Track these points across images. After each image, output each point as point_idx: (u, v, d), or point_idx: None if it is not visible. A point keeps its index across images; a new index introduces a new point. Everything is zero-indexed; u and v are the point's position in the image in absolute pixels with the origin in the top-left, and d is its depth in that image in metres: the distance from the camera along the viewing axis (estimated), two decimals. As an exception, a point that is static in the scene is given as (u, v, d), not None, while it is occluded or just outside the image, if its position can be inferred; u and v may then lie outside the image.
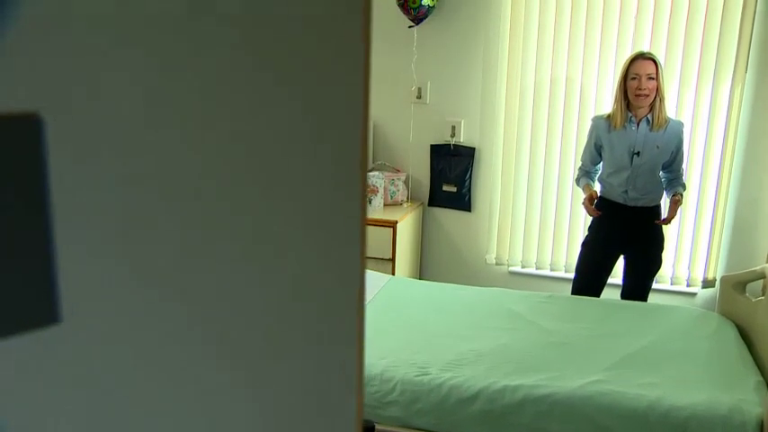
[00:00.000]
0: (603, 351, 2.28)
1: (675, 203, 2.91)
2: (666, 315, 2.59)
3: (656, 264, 3.10)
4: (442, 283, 3.03)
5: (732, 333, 2.44)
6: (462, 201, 3.82)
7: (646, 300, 3.12)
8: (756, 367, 2.25)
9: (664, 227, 3.14)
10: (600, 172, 3.13)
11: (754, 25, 3.23)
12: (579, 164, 3.22)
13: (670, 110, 3.34)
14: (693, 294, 3.58)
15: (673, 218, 2.94)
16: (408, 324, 2.43)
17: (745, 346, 2.38)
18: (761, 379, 2.13)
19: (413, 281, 2.96)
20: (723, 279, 2.65)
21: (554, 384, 2.00)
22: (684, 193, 3.12)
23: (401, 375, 2.05)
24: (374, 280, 2.82)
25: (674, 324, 2.51)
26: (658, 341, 2.36)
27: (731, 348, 2.34)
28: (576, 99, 3.52)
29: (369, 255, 3.49)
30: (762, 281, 2.45)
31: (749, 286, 2.55)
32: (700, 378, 2.13)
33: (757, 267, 2.46)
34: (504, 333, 2.37)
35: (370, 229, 3.47)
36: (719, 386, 2.07)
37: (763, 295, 2.38)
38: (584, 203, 3.02)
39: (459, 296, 2.71)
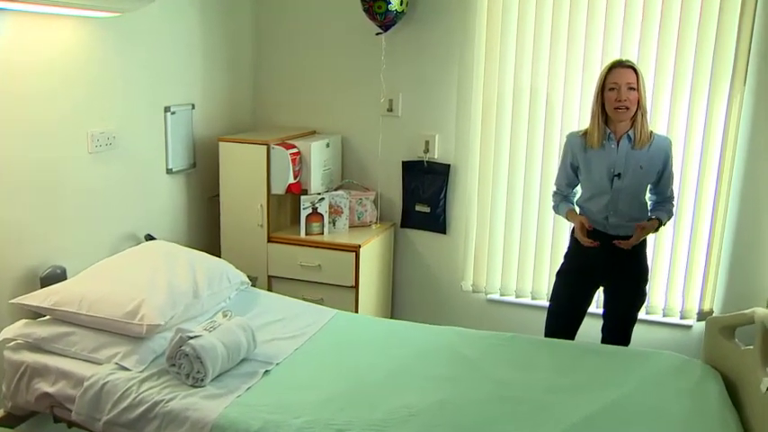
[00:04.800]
0: (561, 409, 1.96)
1: (641, 229, 2.58)
2: (642, 363, 2.26)
3: (638, 297, 2.78)
4: (393, 320, 2.74)
5: (716, 387, 2.11)
6: (437, 222, 3.52)
7: (629, 333, 2.80)
8: (742, 430, 1.92)
9: (649, 256, 2.82)
10: (578, 196, 2.81)
11: (754, 28, 2.88)
12: (554, 188, 2.89)
13: (661, 124, 3.03)
14: (688, 327, 3.24)
15: (631, 243, 2.59)
16: (341, 371, 2.14)
17: (730, 403, 2.04)
18: (743, 448, 1.80)
19: (360, 317, 2.67)
20: (709, 322, 2.31)
21: (491, 456, 1.69)
22: (677, 216, 2.80)
23: (314, 440, 1.76)
24: (315, 316, 2.53)
25: (649, 374, 2.18)
26: (628, 396, 2.04)
27: (713, 406, 2.00)
28: (558, 112, 3.21)
29: (329, 282, 3.21)
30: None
31: (739, 331, 2.22)
32: (671, 445, 1.81)
33: (747, 311, 2.12)
34: (447, 384, 2.07)
35: (331, 254, 3.19)
36: (693, 457, 1.75)
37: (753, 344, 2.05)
38: (576, 235, 2.68)
39: (408, 336, 2.41)
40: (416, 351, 2.29)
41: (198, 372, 1.97)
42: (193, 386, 1.97)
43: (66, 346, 2.07)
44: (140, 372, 2.01)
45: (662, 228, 2.74)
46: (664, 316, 3.24)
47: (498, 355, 2.29)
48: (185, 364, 1.97)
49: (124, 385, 1.93)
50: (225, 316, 2.19)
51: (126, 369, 2.01)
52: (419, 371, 2.15)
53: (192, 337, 1.99)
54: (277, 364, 2.15)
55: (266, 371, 2.10)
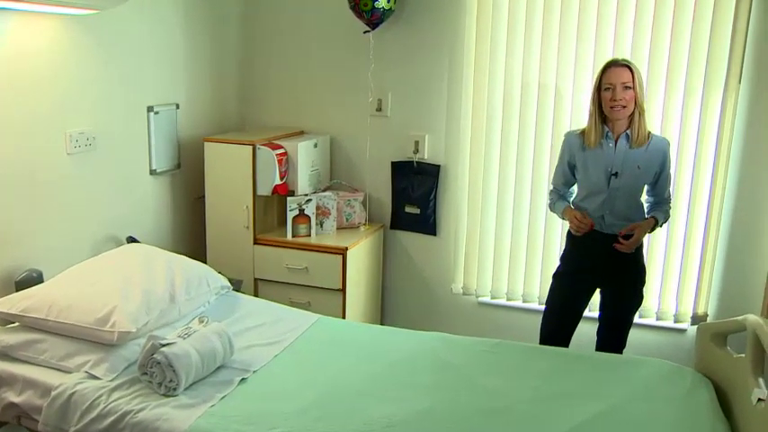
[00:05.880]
0: (548, 420, 1.90)
1: (639, 228, 2.53)
2: (631, 370, 2.19)
3: (636, 299, 2.72)
4: (376, 325, 2.68)
5: (707, 396, 2.04)
6: (426, 223, 3.46)
7: (625, 337, 2.74)
8: (732, 441, 1.86)
9: (648, 256, 2.78)
10: (573, 195, 2.76)
11: (749, 27, 2.81)
12: (550, 187, 2.84)
13: (655, 125, 2.96)
14: (683, 331, 3.17)
15: (632, 245, 2.55)
16: (320, 379, 2.07)
17: (721, 413, 1.97)
18: (733, 461, 1.74)
19: (342, 322, 2.61)
20: (700, 328, 2.25)
21: (471, 470, 1.63)
22: (671, 217, 2.73)
23: (288, 452, 1.70)
24: (297, 321, 2.47)
25: (639, 383, 2.11)
26: (617, 406, 1.97)
27: (704, 416, 1.94)
28: (550, 111, 3.14)
29: (316, 284, 3.15)
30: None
31: (733, 338, 2.15)
32: (658, 458, 1.74)
33: (739, 317, 2.05)
34: (430, 393, 2.00)
35: (318, 257, 3.12)
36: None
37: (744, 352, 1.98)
38: (573, 220, 2.61)
39: (391, 342, 2.35)
40: (399, 358, 2.23)
41: (170, 380, 1.90)
42: (166, 395, 1.90)
43: (35, 353, 2.01)
44: (111, 380, 1.94)
45: (657, 229, 2.69)
46: (657, 319, 3.17)
47: (484, 362, 2.22)
48: (157, 373, 1.91)
49: (93, 395, 1.87)
50: (201, 322, 2.13)
51: (96, 378, 1.94)
52: (401, 379, 2.09)
53: (164, 345, 1.93)
54: (254, 371, 2.09)
55: (242, 379, 2.04)
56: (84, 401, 1.85)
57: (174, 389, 1.90)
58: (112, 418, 1.81)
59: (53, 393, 1.89)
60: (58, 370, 1.98)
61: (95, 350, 2.00)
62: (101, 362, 1.97)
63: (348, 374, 2.11)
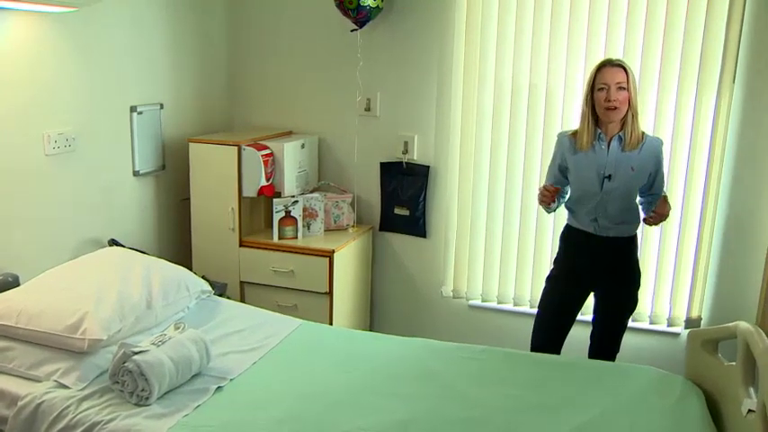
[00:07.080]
0: (532, 431, 1.83)
1: (664, 201, 2.46)
2: (620, 378, 2.13)
3: (630, 303, 2.66)
4: (360, 330, 2.62)
5: (697, 405, 1.98)
6: (416, 225, 3.40)
7: (619, 341, 2.69)
8: (722, 453, 1.80)
9: (641, 259, 2.71)
10: (567, 197, 2.70)
11: (743, 25, 2.75)
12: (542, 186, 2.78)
13: (647, 125, 2.90)
14: (676, 335, 3.11)
15: (660, 217, 2.47)
16: (298, 388, 2.01)
17: (711, 423, 1.91)
18: (722, 474, 1.67)
19: (325, 327, 2.55)
20: (690, 335, 2.18)
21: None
22: (665, 221, 2.67)
23: (259, 466, 1.64)
24: (278, 326, 2.40)
25: (627, 391, 2.05)
26: (602, 417, 1.91)
27: (693, 427, 1.88)
28: (541, 111, 3.08)
29: (302, 288, 3.09)
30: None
31: (725, 344, 2.09)
32: (645, 471, 1.68)
33: (730, 324, 1.99)
34: (410, 403, 1.94)
35: (305, 259, 3.07)
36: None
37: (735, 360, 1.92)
38: (540, 192, 2.55)
39: (375, 349, 2.29)
40: (381, 366, 2.16)
41: (142, 389, 1.84)
42: (138, 405, 1.84)
43: (3, 362, 1.95)
44: (81, 390, 1.88)
45: (652, 228, 2.64)
46: (651, 323, 3.11)
47: (468, 369, 2.16)
48: (129, 382, 1.85)
49: (61, 405, 1.81)
50: (177, 328, 2.07)
51: (65, 387, 1.88)
52: (382, 388, 2.03)
53: (136, 352, 1.87)
54: (231, 379, 2.03)
55: (218, 387, 1.98)
56: (52, 412, 1.79)
57: (147, 398, 1.84)
58: (80, 429, 1.75)
59: (20, 403, 1.82)
60: (27, 379, 1.92)
61: (66, 358, 1.94)
62: (71, 370, 1.91)
63: (327, 383, 2.05)
